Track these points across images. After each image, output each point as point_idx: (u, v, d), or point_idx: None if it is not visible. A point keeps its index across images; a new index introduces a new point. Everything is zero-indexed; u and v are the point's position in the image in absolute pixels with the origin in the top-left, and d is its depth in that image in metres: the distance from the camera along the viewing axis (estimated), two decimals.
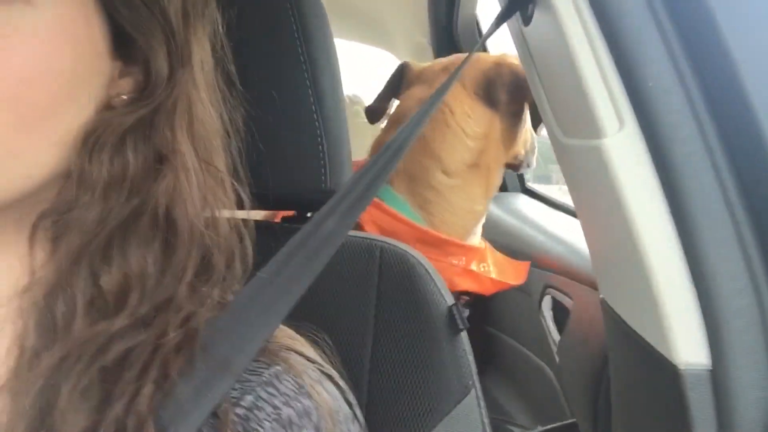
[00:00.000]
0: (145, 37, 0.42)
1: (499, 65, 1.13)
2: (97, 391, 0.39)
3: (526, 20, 0.71)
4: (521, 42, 0.76)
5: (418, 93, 1.14)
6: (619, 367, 0.74)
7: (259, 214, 0.94)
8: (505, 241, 1.44)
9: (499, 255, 1.16)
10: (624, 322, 0.68)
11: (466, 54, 0.73)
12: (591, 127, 0.61)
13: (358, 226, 1.05)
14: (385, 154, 0.58)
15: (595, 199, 0.67)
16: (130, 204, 0.42)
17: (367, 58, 2.09)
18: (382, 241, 0.82)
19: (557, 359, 1.12)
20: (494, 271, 1.10)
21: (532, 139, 1.23)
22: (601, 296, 0.78)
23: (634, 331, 0.65)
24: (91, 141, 0.41)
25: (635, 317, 0.66)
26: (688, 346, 0.57)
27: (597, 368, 0.85)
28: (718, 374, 0.56)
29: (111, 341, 0.39)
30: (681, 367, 0.57)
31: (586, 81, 0.60)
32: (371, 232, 0.97)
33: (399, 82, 1.25)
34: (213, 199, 0.47)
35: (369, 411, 0.77)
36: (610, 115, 0.60)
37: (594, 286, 0.97)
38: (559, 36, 0.62)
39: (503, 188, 1.78)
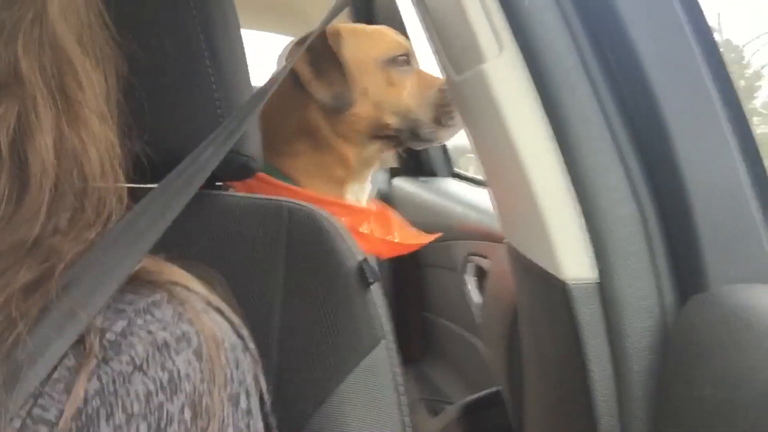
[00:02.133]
0: None
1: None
2: None
3: None
4: None
5: None
6: (523, 304, 0.74)
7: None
8: (431, 221, 1.44)
9: (406, 226, 1.17)
10: (522, 256, 0.68)
11: None
12: (475, 56, 0.62)
13: None
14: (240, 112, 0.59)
15: (485, 130, 0.67)
16: None
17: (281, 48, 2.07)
18: (289, 202, 0.80)
19: (476, 320, 1.12)
20: (397, 237, 1.11)
21: (422, 106, 1.11)
22: (505, 241, 0.78)
23: (530, 260, 0.65)
24: None
25: (530, 247, 0.66)
26: (574, 262, 0.57)
27: (508, 318, 0.85)
28: (605, 286, 0.56)
29: None
30: (569, 283, 0.57)
31: (467, 9, 0.61)
32: None
33: None
34: (77, 135, 0.45)
35: (280, 373, 0.75)
36: (490, 40, 0.60)
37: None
38: None
39: (432, 173, 1.80)
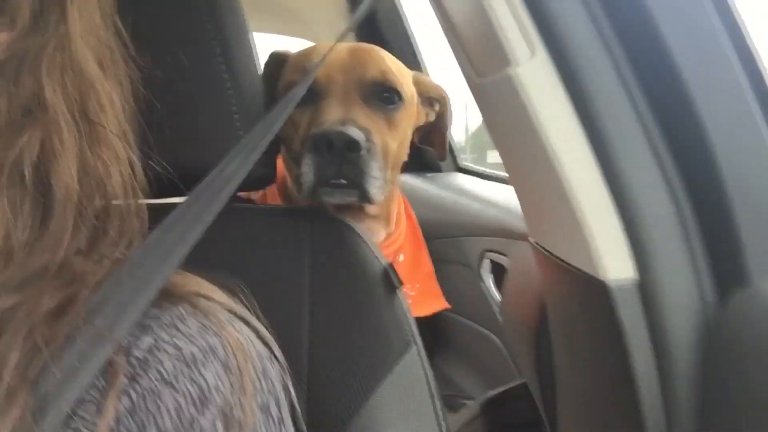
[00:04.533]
0: None
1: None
2: None
3: None
4: None
5: None
6: (555, 303, 0.75)
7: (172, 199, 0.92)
8: (440, 217, 1.45)
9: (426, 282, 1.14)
10: (553, 255, 0.69)
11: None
12: (503, 59, 0.62)
13: None
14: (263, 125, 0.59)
15: (513, 133, 0.67)
16: None
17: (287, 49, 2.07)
18: (311, 211, 0.81)
19: (499, 318, 1.13)
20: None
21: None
22: (531, 240, 0.79)
23: (563, 260, 0.66)
24: None
25: (562, 246, 0.67)
26: (613, 262, 0.58)
27: (536, 315, 0.85)
28: (645, 285, 0.57)
29: None
30: (609, 283, 0.58)
31: (496, 12, 0.61)
32: None
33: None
34: (100, 159, 0.45)
35: (311, 379, 0.76)
36: (521, 44, 0.60)
37: (526, 239, 0.99)
38: None
39: (437, 168, 1.79)
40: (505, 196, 1.31)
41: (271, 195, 1.10)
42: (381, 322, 0.76)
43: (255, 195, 1.12)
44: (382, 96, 0.90)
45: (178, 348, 0.40)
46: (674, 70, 0.55)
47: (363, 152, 0.81)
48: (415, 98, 0.99)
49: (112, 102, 0.47)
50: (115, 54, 0.48)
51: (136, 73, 0.51)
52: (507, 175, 0.83)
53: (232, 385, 0.41)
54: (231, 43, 0.73)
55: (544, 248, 0.72)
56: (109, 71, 0.47)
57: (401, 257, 1.08)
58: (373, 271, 0.77)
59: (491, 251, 1.21)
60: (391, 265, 0.80)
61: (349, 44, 0.96)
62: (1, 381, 0.35)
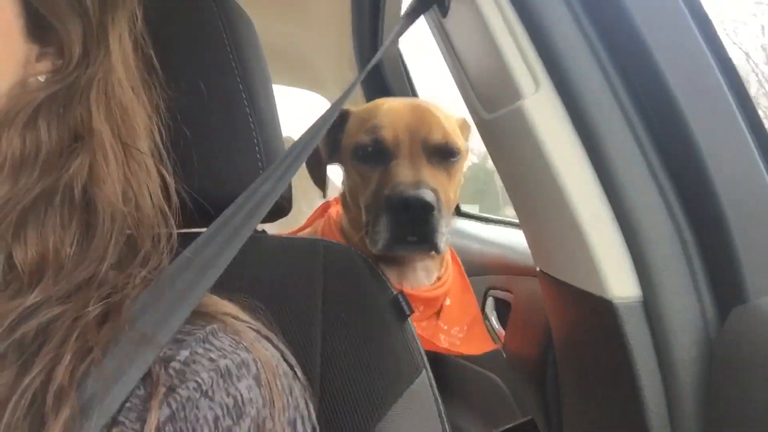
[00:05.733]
0: (60, 20, 0.44)
1: None
2: (15, 366, 0.38)
3: (444, 12, 0.76)
4: (441, 33, 0.81)
5: None
6: (562, 326, 0.77)
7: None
8: None
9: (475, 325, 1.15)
10: (559, 281, 0.71)
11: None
12: (510, 94, 0.66)
13: None
14: (293, 150, 0.62)
15: (520, 164, 0.71)
16: (42, 182, 0.42)
17: (297, 100, 2.14)
18: (324, 241, 0.84)
19: (504, 354, 1.14)
20: (444, 341, 1.09)
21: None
22: (537, 269, 0.82)
23: (569, 285, 0.68)
24: (0, 117, 0.41)
25: (568, 271, 0.69)
26: (618, 281, 0.61)
27: (541, 347, 0.88)
28: (649, 303, 0.60)
29: (25, 317, 0.39)
30: (615, 301, 0.60)
31: (503, 51, 0.65)
32: None
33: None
34: (136, 182, 0.48)
35: (323, 403, 0.77)
36: (527, 79, 0.64)
37: (530, 273, 1.01)
38: (476, 17, 0.67)
39: None
40: (506, 237, 1.34)
41: (329, 234, 1.15)
42: (391, 348, 0.78)
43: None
44: (444, 154, 0.98)
45: (212, 360, 0.42)
46: (673, 101, 0.59)
47: (435, 212, 0.88)
48: (466, 146, 1.06)
49: (147, 128, 0.51)
50: (146, 79, 0.52)
51: (164, 100, 0.54)
52: (502, 219, 0.87)
53: (263, 399, 0.43)
54: (254, 78, 0.77)
55: (553, 276, 0.75)
56: (142, 97, 0.51)
57: (448, 301, 1.11)
58: (384, 300, 0.80)
59: (494, 288, 1.24)
60: (402, 293, 0.83)
61: (408, 102, 1.03)
62: (54, 380, 0.37)
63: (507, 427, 1.12)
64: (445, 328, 1.10)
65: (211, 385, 0.41)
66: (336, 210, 1.19)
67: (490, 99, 0.74)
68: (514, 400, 1.23)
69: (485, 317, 1.27)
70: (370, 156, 0.98)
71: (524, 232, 0.82)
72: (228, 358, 0.43)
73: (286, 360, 0.49)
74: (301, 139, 0.64)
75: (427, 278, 1.09)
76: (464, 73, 0.79)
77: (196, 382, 0.41)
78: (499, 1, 0.65)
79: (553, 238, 0.72)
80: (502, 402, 1.28)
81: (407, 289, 1.05)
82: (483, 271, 1.29)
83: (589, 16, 0.62)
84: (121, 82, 0.48)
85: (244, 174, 0.77)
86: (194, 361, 0.42)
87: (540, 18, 0.63)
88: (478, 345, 1.10)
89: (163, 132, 0.54)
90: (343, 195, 1.10)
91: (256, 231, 1.03)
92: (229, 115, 0.76)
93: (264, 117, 0.77)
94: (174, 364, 0.42)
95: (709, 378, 0.57)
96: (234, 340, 0.45)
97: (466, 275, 1.17)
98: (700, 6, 0.60)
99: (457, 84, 0.83)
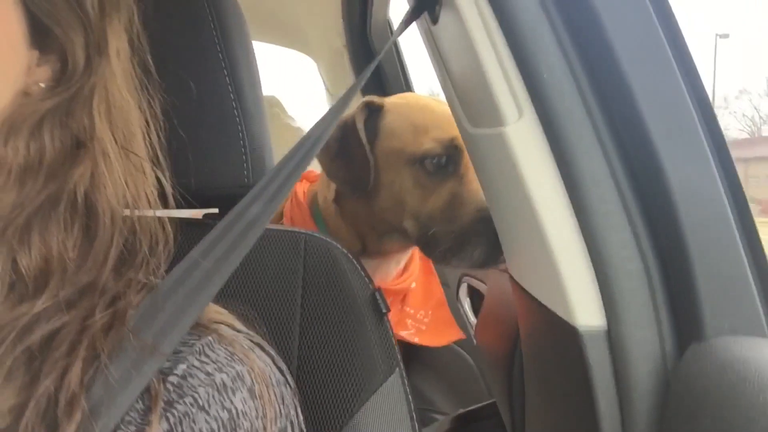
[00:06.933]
0: (62, 27, 0.44)
1: None
2: (24, 372, 0.40)
3: (434, 19, 0.76)
4: (430, 40, 0.81)
5: None
6: (529, 336, 0.80)
7: (182, 213, 0.96)
8: None
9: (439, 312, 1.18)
10: (530, 295, 0.74)
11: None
12: (494, 117, 0.67)
13: None
14: (304, 145, 0.61)
15: (500, 182, 0.72)
16: (47, 189, 0.43)
17: (283, 60, 2.12)
18: (306, 233, 0.85)
19: (474, 341, 1.18)
20: (420, 321, 1.12)
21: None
22: (510, 275, 0.84)
23: (539, 302, 0.71)
24: (6, 126, 0.42)
25: (539, 288, 0.72)
26: (585, 310, 0.63)
27: (510, 343, 0.91)
28: (612, 333, 0.63)
29: (33, 323, 0.41)
30: (580, 329, 0.63)
31: (488, 74, 0.66)
32: None
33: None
34: (134, 185, 0.49)
35: (299, 396, 0.80)
36: (510, 106, 0.65)
37: (504, 270, 1.04)
38: (464, 33, 0.67)
39: None
40: None
41: (300, 221, 1.14)
42: (368, 346, 0.81)
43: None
44: None
45: (209, 375, 0.45)
46: (650, 144, 0.60)
47: None
48: None
49: (143, 130, 0.51)
50: (142, 80, 0.53)
51: (158, 99, 0.55)
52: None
53: (257, 411, 0.45)
54: (241, 73, 0.77)
55: (521, 286, 0.78)
56: (138, 100, 0.52)
57: (413, 284, 1.13)
58: (363, 296, 0.82)
59: (469, 276, 1.27)
60: (380, 290, 0.85)
61: (444, 103, 1.02)
62: (65, 387, 0.39)
63: (469, 408, 1.17)
64: (411, 312, 1.13)
65: (207, 400, 0.43)
66: (302, 189, 1.18)
67: (474, 115, 0.75)
68: (484, 382, 1.28)
69: (459, 302, 1.30)
70: (442, 166, 0.96)
71: (501, 240, 0.84)
72: (224, 372, 0.45)
73: (277, 366, 0.51)
74: (303, 139, 0.63)
75: (396, 269, 1.12)
76: (451, 85, 0.79)
77: (193, 397, 0.43)
78: (486, 19, 0.65)
79: (527, 257, 0.74)
80: (474, 381, 1.33)
81: (377, 281, 1.07)
82: None
83: (576, 49, 0.63)
84: (121, 88, 0.49)
85: (230, 171, 0.78)
86: (191, 375, 0.44)
87: (527, 44, 0.63)
88: (445, 332, 1.13)
89: (160, 134, 0.55)
90: (337, 189, 1.09)
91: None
92: (217, 114, 0.77)
93: (251, 120, 0.78)
94: (172, 378, 0.44)
95: (664, 409, 0.61)
96: (229, 351, 0.47)
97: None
98: (689, 55, 0.61)
99: (444, 92, 0.83)
